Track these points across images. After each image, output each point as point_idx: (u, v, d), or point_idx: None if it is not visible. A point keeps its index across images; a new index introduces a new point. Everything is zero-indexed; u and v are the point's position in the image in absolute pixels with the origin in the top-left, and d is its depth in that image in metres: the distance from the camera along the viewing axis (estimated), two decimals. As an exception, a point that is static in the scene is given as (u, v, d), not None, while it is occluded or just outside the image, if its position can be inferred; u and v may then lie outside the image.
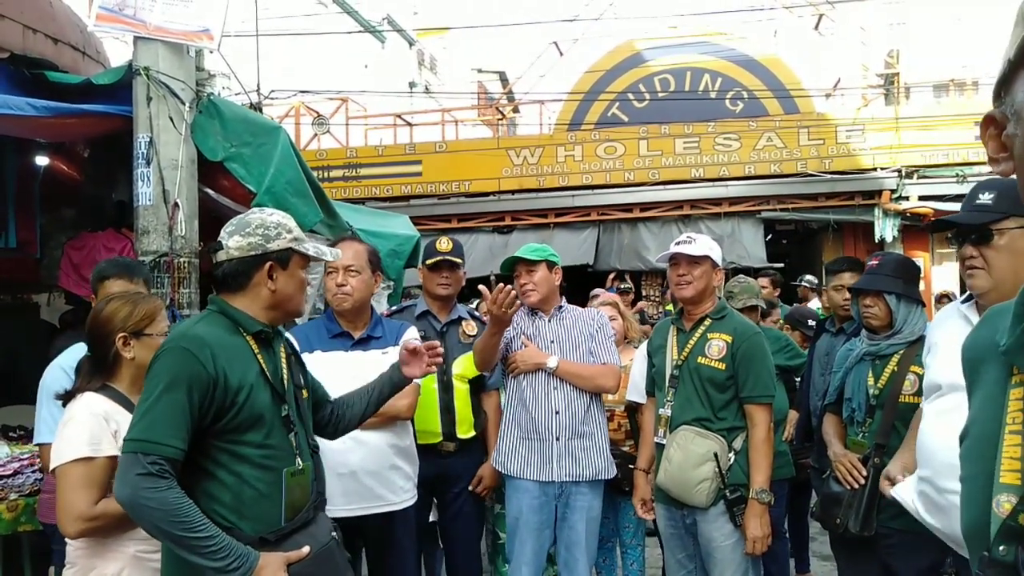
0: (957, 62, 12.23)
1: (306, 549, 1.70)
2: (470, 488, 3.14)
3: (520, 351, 2.93)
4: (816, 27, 12.36)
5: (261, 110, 5.34)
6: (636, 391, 3.25)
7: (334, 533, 1.82)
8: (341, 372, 2.68)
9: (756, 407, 2.67)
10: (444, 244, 3.23)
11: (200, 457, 1.69)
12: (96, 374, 2.01)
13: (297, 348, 2.07)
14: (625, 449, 3.40)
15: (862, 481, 2.34)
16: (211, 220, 3.94)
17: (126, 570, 1.91)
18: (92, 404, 1.96)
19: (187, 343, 1.67)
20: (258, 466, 1.70)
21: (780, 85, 10.74)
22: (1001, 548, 0.74)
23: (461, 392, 3.14)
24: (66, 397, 2.01)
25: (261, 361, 1.78)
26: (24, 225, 4.68)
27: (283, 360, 1.87)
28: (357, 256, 2.78)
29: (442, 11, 18.04)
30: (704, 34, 11.31)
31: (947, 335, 1.86)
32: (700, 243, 2.79)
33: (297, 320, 4.25)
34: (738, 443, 2.67)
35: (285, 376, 1.85)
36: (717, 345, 2.71)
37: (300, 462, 1.79)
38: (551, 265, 2.99)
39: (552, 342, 2.96)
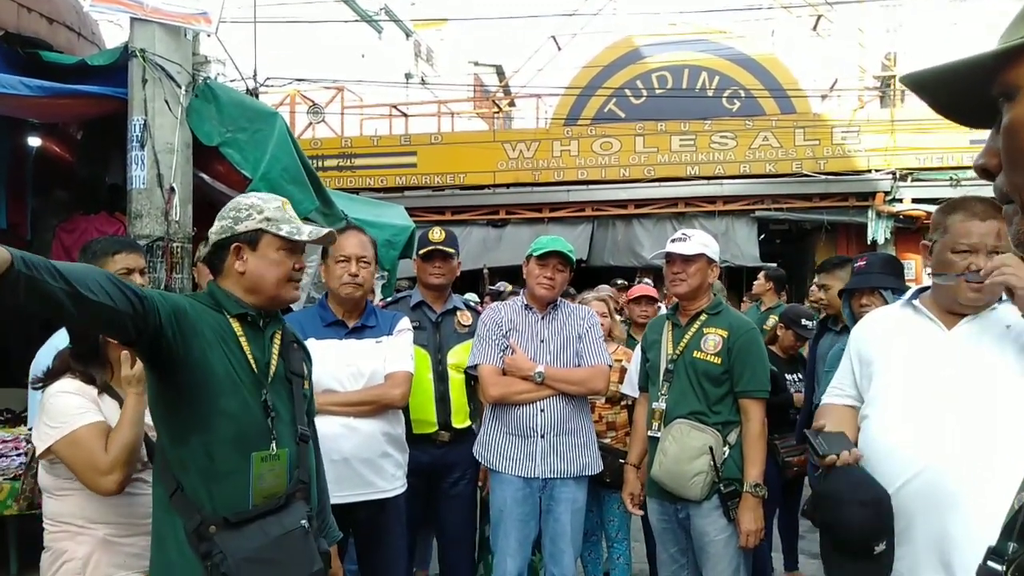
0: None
1: None
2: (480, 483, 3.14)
3: (509, 358, 2.90)
4: (814, 28, 12.38)
5: (258, 96, 5.31)
6: (631, 385, 3.25)
7: (304, 522, 1.77)
8: (335, 360, 2.69)
9: (751, 401, 2.68)
10: (437, 234, 3.24)
11: (178, 431, 1.70)
12: (81, 363, 1.98)
13: (301, 339, 2.03)
14: (606, 441, 3.40)
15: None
16: (205, 206, 3.92)
17: (96, 553, 1.89)
18: (75, 383, 1.94)
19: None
20: (228, 447, 1.70)
21: (777, 85, 10.75)
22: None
23: (456, 382, 3.14)
24: (44, 382, 1.99)
25: (243, 343, 1.78)
26: (15, 207, 4.63)
27: (275, 346, 1.86)
28: (366, 246, 2.80)
29: (440, 2, 17.96)
30: (703, 32, 11.30)
31: (914, 338, 1.89)
32: (694, 241, 2.79)
33: (293, 307, 4.24)
34: (732, 437, 2.68)
35: (273, 362, 1.84)
36: (713, 340, 2.72)
37: (275, 448, 1.77)
38: (571, 268, 3.00)
39: (542, 342, 2.94)
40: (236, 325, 1.80)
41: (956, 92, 0.68)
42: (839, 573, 1.81)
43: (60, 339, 2.34)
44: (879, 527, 1.68)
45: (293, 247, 1.83)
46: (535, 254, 2.93)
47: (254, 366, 1.78)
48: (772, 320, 4.71)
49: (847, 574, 1.79)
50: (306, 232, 1.84)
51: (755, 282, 6.21)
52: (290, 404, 1.86)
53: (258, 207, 1.83)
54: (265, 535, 1.68)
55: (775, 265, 7.47)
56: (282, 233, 1.81)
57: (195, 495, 1.67)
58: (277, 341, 1.88)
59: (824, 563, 1.86)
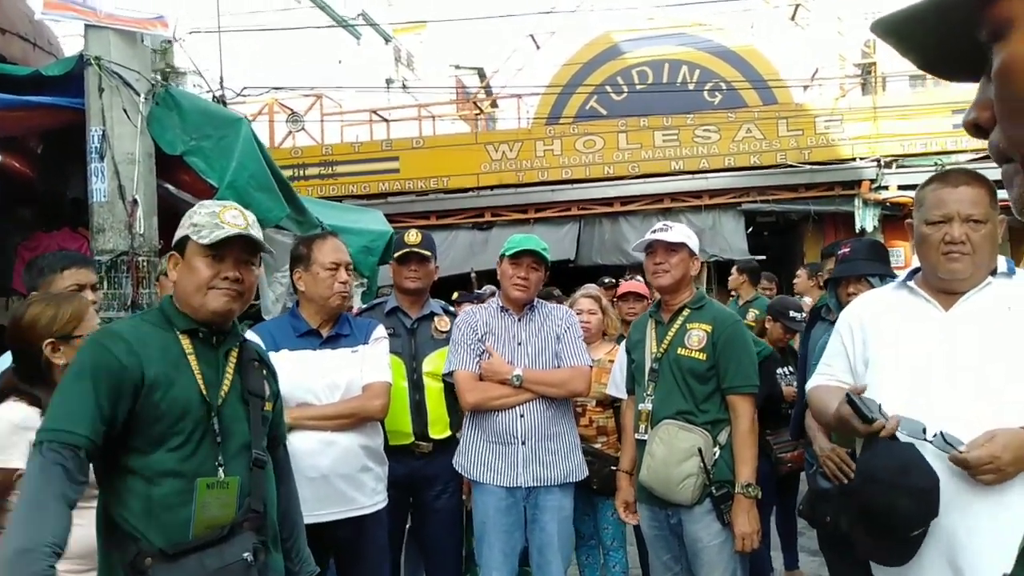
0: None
1: None
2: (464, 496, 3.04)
3: (485, 362, 2.79)
4: (792, 17, 12.34)
5: (224, 103, 5.17)
6: (615, 386, 3.14)
7: (247, 555, 1.64)
8: (309, 371, 2.58)
9: (739, 398, 2.57)
10: (412, 236, 3.14)
11: (114, 458, 1.60)
12: (25, 383, 1.85)
13: (265, 356, 1.92)
14: (597, 446, 3.29)
15: (852, 476, 2.24)
16: (171, 217, 3.77)
17: None
18: (9, 413, 1.81)
19: (100, 335, 1.64)
20: (171, 473, 1.59)
21: (758, 76, 10.69)
22: None
23: (433, 391, 3.02)
24: None
25: (192, 362, 1.67)
26: (-24, 227, 4.48)
27: (229, 364, 1.75)
28: (347, 252, 2.75)
29: (418, 5, 17.84)
30: (681, 25, 11.23)
31: (908, 318, 1.82)
32: (677, 231, 2.72)
33: (265, 316, 4.11)
34: (722, 437, 2.57)
35: (227, 381, 1.73)
36: (697, 335, 2.61)
37: (223, 474, 1.65)
38: (546, 267, 2.89)
39: (519, 344, 2.83)
40: (186, 342, 1.69)
41: (937, 37, 0.57)
42: (868, 552, 1.73)
43: (4, 360, 2.21)
44: (924, 518, 1.59)
45: (217, 254, 1.69)
46: (507, 254, 2.82)
47: (203, 387, 1.67)
48: (752, 314, 4.60)
49: (874, 553, 1.71)
50: (212, 236, 1.68)
51: (729, 277, 6.12)
52: (246, 427, 1.74)
53: (193, 212, 1.73)
54: (202, 568, 1.56)
55: (758, 259, 7.40)
56: (203, 240, 1.68)
57: (133, 524, 1.57)
58: (233, 359, 1.77)
59: (849, 537, 1.77)
